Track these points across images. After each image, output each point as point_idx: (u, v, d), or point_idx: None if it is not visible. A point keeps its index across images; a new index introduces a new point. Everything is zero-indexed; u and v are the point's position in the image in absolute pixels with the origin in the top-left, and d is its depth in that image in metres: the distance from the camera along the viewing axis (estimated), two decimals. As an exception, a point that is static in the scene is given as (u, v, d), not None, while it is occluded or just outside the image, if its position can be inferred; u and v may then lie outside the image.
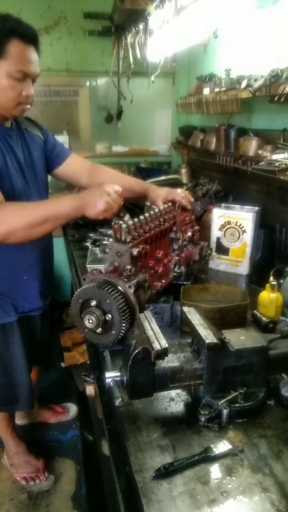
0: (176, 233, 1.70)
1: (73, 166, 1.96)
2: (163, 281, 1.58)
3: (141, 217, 1.47)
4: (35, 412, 2.66)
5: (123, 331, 1.18)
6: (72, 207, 1.44)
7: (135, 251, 1.30)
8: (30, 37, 1.50)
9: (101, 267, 1.34)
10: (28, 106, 1.60)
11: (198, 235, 1.87)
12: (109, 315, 1.18)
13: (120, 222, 1.33)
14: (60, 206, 1.45)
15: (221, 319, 1.48)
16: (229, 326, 1.31)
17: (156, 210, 1.60)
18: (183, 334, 1.55)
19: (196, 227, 1.88)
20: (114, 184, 1.47)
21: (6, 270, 1.76)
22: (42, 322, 2.03)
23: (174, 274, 1.71)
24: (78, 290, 1.22)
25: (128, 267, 1.26)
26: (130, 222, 1.38)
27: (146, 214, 1.52)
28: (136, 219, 1.43)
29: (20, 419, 2.64)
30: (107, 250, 1.33)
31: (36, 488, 2.27)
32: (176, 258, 1.70)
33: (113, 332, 1.19)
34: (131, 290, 1.22)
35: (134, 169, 3.90)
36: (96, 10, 3.61)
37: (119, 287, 1.22)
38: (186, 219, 1.82)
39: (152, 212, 1.55)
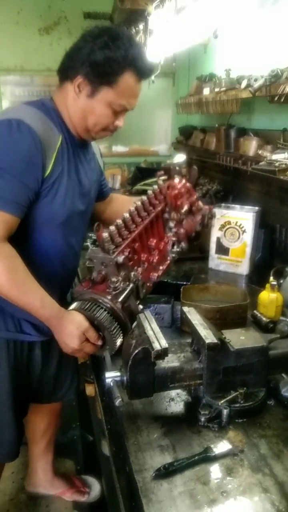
0: (169, 213, 1.58)
1: (109, 205, 1.77)
2: (161, 267, 1.51)
3: (125, 215, 1.37)
4: (49, 481, 2.14)
5: (116, 345, 1.23)
6: (47, 320, 1.29)
7: (120, 259, 1.25)
8: (146, 75, 1.39)
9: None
10: (111, 134, 1.49)
11: (197, 203, 1.70)
12: (100, 341, 1.24)
13: (103, 233, 1.25)
14: (39, 305, 1.26)
15: (221, 319, 1.48)
16: (229, 326, 1.31)
17: (139, 202, 1.47)
18: (183, 334, 1.55)
19: (195, 196, 1.71)
20: (94, 332, 1.25)
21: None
22: (44, 351, 1.59)
23: (173, 255, 1.60)
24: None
25: (114, 279, 1.23)
26: (112, 228, 1.30)
27: (131, 208, 1.41)
28: (119, 221, 1.34)
29: (31, 486, 2.17)
30: (93, 260, 1.28)
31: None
32: (173, 239, 1.59)
33: (107, 346, 1.24)
34: (119, 306, 1.22)
35: (134, 169, 3.90)
36: (96, 10, 3.61)
37: (107, 305, 1.21)
38: (181, 192, 1.63)
39: (132, 208, 1.42)
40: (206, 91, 2.76)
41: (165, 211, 1.58)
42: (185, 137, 3.57)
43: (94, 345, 1.27)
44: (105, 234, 1.25)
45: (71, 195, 1.40)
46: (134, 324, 1.25)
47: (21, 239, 1.32)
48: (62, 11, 3.70)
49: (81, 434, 2.62)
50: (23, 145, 1.25)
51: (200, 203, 1.73)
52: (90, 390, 2.64)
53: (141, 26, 2.92)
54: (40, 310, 1.27)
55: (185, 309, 1.33)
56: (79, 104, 1.37)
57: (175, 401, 1.22)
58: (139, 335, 1.12)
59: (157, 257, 1.49)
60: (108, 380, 1.12)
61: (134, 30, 3.12)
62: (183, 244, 1.63)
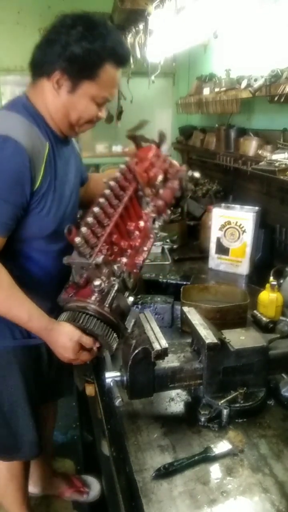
0: (143, 190, 1.47)
1: (86, 186, 1.68)
2: (145, 248, 1.44)
3: (95, 209, 1.28)
4: (48, 480, 2.13)
5: (113, 347, 1.22)
6: (37, 332, 1.27)
7: (99, 260, 1.19)
8: (125, 62, 1.32)
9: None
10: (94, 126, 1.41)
11: (173, 168, 1.59)
12: (97, 344, 1.23)
13: (75, 237, 1.19)
14: (26, 319, 1.25)
15: (221, 319, 1.48)
16: (229, 326, 1.31)
17: (112, 183, 1.38)
18: (183, 334, 1.55)
19: (167, 161, 1.59)
20: (88, 338, 1.23)
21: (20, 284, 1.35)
22: (49, 353, 1.52)
23: (156, 230, 1.52)
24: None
25: (97, 282, 1.18)
26: (84, 230, 1.21)
27: (101, 200, 1.31)
28: (89, 219, 1.26)
29: (30, 486, 2.04)
30: (72, 266, 1.24)
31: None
32: (153, 215, 1.49)
33: (105, 349, 1.25)
34: (108, 310, 1.19)
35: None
36: (96, 10, 3.60)
37: (95, 312, 1.18)
38: (152, 162, 1.53)
39: (102, 200, 1.32)
40: (206, 91, 2.76)
41: (138, 189, 1.47)
42: (185, 137, 3.56)
43: (90, 351, 1.26)
44: (78, 239, 1.18)
45: (58, 203, 1.35)
46: (132, 323, 1.24)
47: (10, 252, 1.30)
48: (62, 11, 3.68)
49: (81, 434, 2.62)
50: (10, 164, 1.19)
51: (175, 165, 1.61)
52: (90, 390, 2.64)
53: (141, 26, 2.91)
54: (28, 323, 1.25)
55: (185, 309, 1.33)
56: (60, 101, 1.29)
57: (175, 401, 1.22)
58: (139, 335, 1.12)
59: (139, 240, 1.41)
60: (108, 380, 1.12)
61: (134, 30, 3.12)
62: (164, 216, 1.54)
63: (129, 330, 1.26)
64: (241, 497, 0.93)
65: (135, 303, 1.60)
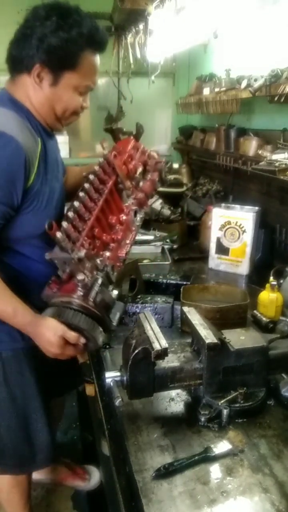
0: (123, 183, 1.47)
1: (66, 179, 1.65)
2: (127, 241, 1.44)
3: (75, 203, 1.28)
4: (51, 467, 2.10)
5: (99, 341, 1.22)
6: (22, 328, 1.28)
7: (81, 254, 1.18)
8: (104, 47, 1.31)
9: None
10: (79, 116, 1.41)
11: (152, 160, 1.60)
12: (82, 339, 1.22)
13: (56, 233, 1.18)
14: (11, 315, 1.25)
15: (221, 319, 1.48)
16: (229, 326, 1.31)
17: (91, 177, 1.38)
18: (183, 334, 1.55)
19: (146, 153, 1.60)
20: (72, 333, 1.20)
21: (13, 282, 1.31)
22: None
23: (138, 223, 1.52)
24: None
25: (80, 277, 1.19)
26: (65, 224, 1.21)
27: (81, 194, 1.31)
28: (70, 213, 1.26)
29: (35, 473, 2.07)
30: (54, 261, 1.23)
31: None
32: (133, 207, 1.49)
33: (91, 344, 1.24)
34: (92, 304, 1.19)
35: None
36: (96, 10, 3.59)
37: (79, 306, 1.18)
38: (130, 154, 1.53)
39: (82, 194, 1.32)
40: (206, 91, 2.76)
41: (118, 182, 1.46)
42: (185, 137, 3.57)
43: (76, 346, 1.24)
44: (59, 234, 1.18)
45: (51, 198, 1.35)
46: (118, 316, 1.27)
47: (5, 251, 1.31)
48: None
49: (81, 434, 2.62)
50: (4, 162, 1.18)
51: (154, 157, 1.61)
52: (90, 390, 2.64)
53: (141, 26, 2.91)
54: (13, 319, 1.26)
55: (185, 309, 1.33)
56: (43, 94, 1.28)
57: (175, 401, 1.22)
58: (139, 335, 1.12)
59: (121, 233, 1.41)
60: (108, 380, 1.12)
61: (134, 30, 3.12)
62: (145, 208, 1.56)
63: (114, 323, 1.26)
64: (241, 497, 0.92)
65: (135, 302, 1.61)
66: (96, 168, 1.42)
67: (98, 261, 1.25)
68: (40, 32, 1.20)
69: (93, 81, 1.33)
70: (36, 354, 1.42)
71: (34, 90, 1.28)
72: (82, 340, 1.22)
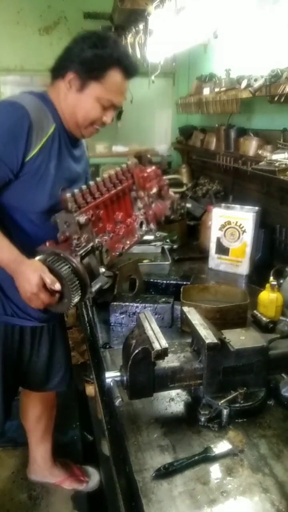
0: (137, 192, 1.61)
1: None
2: (127, 242, 1.55)
3: (91, 182, 1.42)
4: (48, 469, 2.20)
5: (74, 299, 1.26)
6: (6, 264, 1.33)
7: (82, 219, 1.29)
8: (131, 73, 1.48)
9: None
10: (98, 130, 1.55)
11: (166, 188, 1.76)
12: (58, 285, 1.23)
13: (66, 194, 1.31)
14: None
15: (221, 319, 1.48)
16: (229, 326, 1.31)
17: (112, 172, 1.53)
18: (183, 334, 1.55)
19: (164, 181, 1.76)
20: (51, 276, 1.24)
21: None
22: (35, 337, 1.71)
23: (141, 233, 1.64)
24: None
25: (76, 236, 1.28)
26: (76, 191, 1.34)
27: (98, 179, 1.45)
28: (84, 186, 1.38)
29: (32, 474, 2.23)
30: (57, 221, 1.33)
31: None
32: (141, 217, 1.62)
33: (65, 300, 1.27)
34: (78, 259, 1.25)
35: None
36: (96, 10, 3.61)
37: (65, 258, 1.24)
38: (150, 175, 1.66)
39: (99, 179, 1.45)
40: (206, 91, 2.76)
41: (133, 188, 1.61)
42: (185, 137, 3.57)
43: (51, 294, 1.26)
44: (68, 194, 1.30)
45: (54, 185, 1.44)
46: (97, 287, 1.32)
47: (5, 218, 1.43)
48: (62, 11, 3.70)
49: (81, 434, 2.62)
50: (8, 120, 1.33)
51: (169, 190, 1.79)
52: (90, 390, 2.64)
53: (141, 26, 2.91)
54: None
55: (185, 309, 1.33)
56: (69, 99, 1.46)
57: (175, 401, 1.22)
58: (139, 335, 1.12)
59: (123, 230, 1.52)
60: (108, 380, 1.12)
61: (134, 30, 3.12)
62: (152, 225, 1.68)
63: (93, 291, 1.32)
64: (241, 497, 0.92)
65: (135, 302, 1.61)
66: (117, 169, 1.57)
67: (96, 240, 1.35)
68: (79, 47, 1.42)
69: (117, 99, 1.48)
70: (12, 332, 1.60)
71: (64, 95, 1.46)
72: (58, 286, 1.24)
